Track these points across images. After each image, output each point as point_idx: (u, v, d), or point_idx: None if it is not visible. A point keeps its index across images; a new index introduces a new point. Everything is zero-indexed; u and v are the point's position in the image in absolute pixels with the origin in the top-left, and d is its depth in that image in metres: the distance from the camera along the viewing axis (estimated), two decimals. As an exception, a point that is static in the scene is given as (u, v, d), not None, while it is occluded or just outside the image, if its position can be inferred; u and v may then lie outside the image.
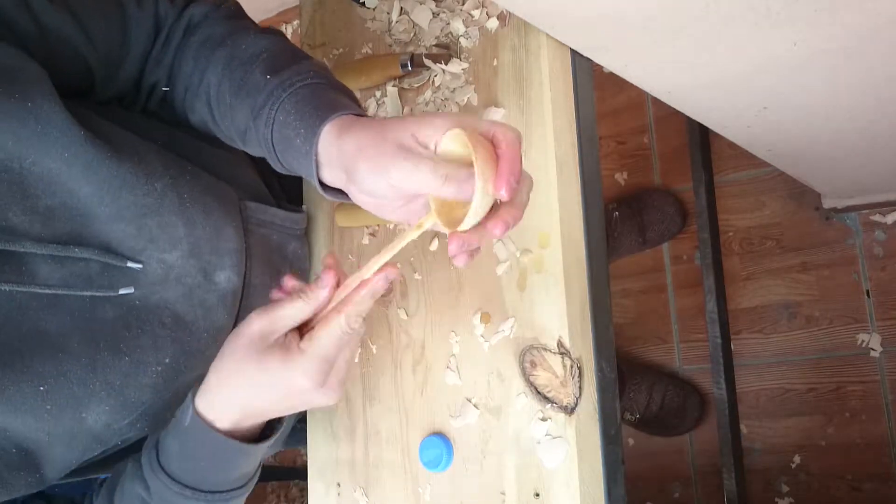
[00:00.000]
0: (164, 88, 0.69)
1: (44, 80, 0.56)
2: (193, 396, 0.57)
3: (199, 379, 0.70)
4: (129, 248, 0.61)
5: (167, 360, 0.63)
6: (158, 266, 0.63)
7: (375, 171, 0.50)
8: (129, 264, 0.61)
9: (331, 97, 0.58)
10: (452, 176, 0.48)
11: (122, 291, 0.60)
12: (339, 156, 0.53)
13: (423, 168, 0.48)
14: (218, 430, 0.56)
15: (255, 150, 0.64)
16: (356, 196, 0.54)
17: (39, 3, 0.58)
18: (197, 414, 0.56)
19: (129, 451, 0.69)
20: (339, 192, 0.57)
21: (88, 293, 0.59)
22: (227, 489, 0.60)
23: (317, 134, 0.55)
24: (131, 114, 0.70)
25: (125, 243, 0.61)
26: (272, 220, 0.76)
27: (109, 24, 0.63)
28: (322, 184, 0.57)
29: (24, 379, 0.56)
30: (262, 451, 0.60)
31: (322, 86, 0.60)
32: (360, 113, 0.57)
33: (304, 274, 0.83)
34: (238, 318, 0.70)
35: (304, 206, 0.88)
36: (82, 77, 0.64)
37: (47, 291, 0.57)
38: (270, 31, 0.67)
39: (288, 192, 0.88)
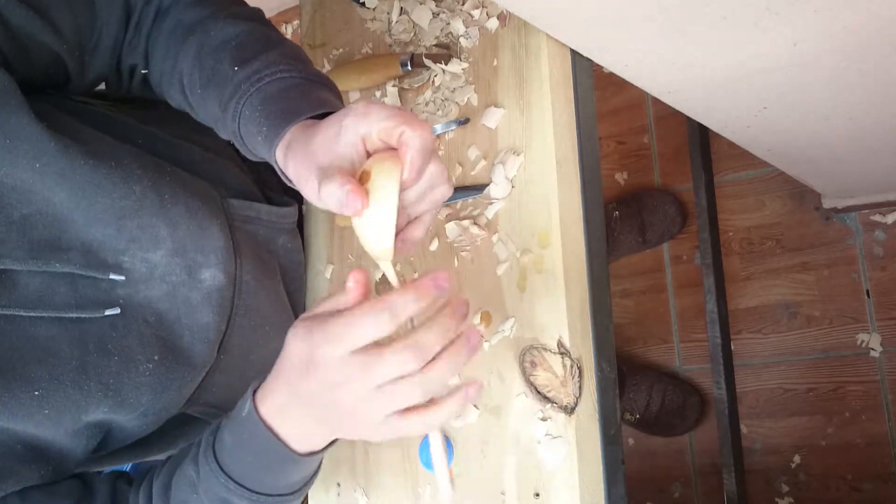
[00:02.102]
0: (142, 71, 0.69)
1: (10, 91, 0.56)
2: (254, 390, 0.56)
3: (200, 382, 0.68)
4: (111, 248, 0.61)
5: (156, 358, 0.63)
6: (142, 265, 0.63)
7: (297, 184, 0.54)
8: (112, 276, 0.61)
9: (299, 94, 0.59)
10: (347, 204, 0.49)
11: (107, 312, 0.60)
12: (283, 157, 0.57)
13: (325, 189, 0.50)
14: (274, 433, 0.54)
15: (226, 137, 0.65)
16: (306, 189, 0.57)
17: (2, 1, 0.57)
18: (255, 408, 0.54)
19: (154, 437, 0.70)
20: None
21: (74, 314, 0.58)
22: (272, 493, 0.58)
23: (277, 137, 0.56)
24: (108, 116, 0.70)
25: (106, 244, 0.60)
26: (257, 216, 0.76)
27: (76, 11, 0.62)
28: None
29: (17, 385, 0.56)
30: (309, 465, 0.58)
31: (291, 80, 0.60)
32: (327, 109, 0.58)
33: (297, 267, 0.83)
34: (231, 315, 0.70)
35: (304, 204, 0.88)
36: (55, 69, 0.63)
37: (32, 314, 0.57)
38: (244, 14, 0.66)
39: (286, 185, 0.88)
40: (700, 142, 1.49)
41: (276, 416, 0.54)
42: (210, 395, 0.72)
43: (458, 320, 0.47)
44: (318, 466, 0.62)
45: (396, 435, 0.50)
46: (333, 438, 0.56)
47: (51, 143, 0.56)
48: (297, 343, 0.49)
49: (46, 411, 0.57)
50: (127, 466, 1.29)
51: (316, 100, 0.58)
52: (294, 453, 0.55)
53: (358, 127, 0.50)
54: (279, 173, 0.59)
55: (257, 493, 0.57)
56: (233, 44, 0.63)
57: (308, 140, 0.54)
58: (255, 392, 0.55)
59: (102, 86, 0.72)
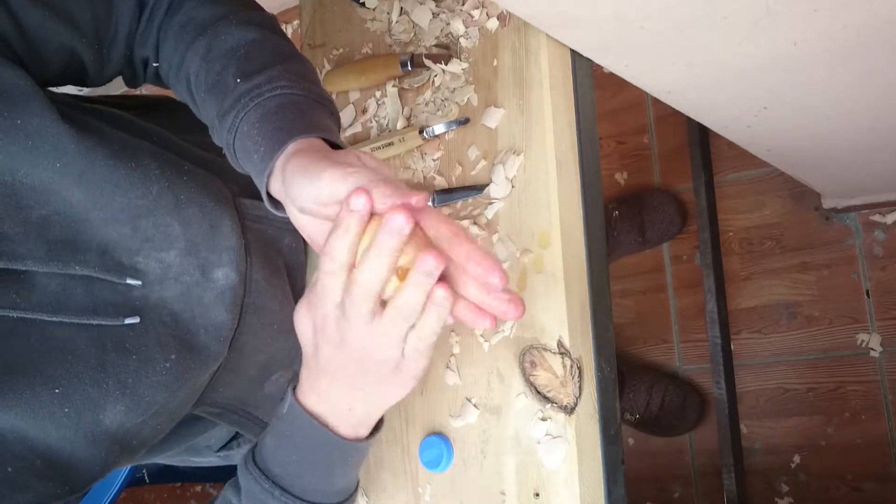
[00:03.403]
0: (154, 64, 0.69)
1: (32, 92, 0.56)
2: (294, 387, 0.56)
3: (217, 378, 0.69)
4: (126, 248, 0.61)
5: (173, 357, 0.63)
6: (157, 265, 0.63)
7: (307, 178, 0.50)
8: (129, 281, 0.61)
9: (297, 113, 0.58)
10: (390, 181, 0.46)
11: (127, 321, 0.61)
12: (282, 169, 0.54)
13: (355, 174, 0.47)
14: (318, 419, 0.55)
15: (219, 144, 0.65)
16: (289, 210, 0.55)
17: (17, 1, 0.57)
18: (296, 399, 0.55)
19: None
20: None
21: (95, 321, 0.59)
22: (318, 501, 0.58)
23: (275, 156, 0.55)
24: (123, 117, 0.70)
25: (121, 244, 0.61)
26: (266, 215, 0.76)
27: (94, 4, 0.62)
28: (270, 196, 0.58)
29: (38, 382, 0.56)
30: (358, 455, 0.58)
31: (292, 97, 0.59)
32: (325, 136, 0.57)
33: (300, 267, 0.84)
34: (241, 314, 0.70)
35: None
36: (73, 65, 0.63)
37: (53, 319, 0.57)
38: (256, 20, 0.65)
39: None
40: (700, 142, 1.49)
41: (315, 401, 0.55)
42: (216, 394, 0.73)
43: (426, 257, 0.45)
44: (357, 484, 0.63)
45: (421, 368, 0.50)
46: (375, 419, 0.57)
47: (72, 145, 0.57)
48: (301, 319, 0.51)
49: (67, 409, 0.57)
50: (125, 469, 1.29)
51: (310, 123, 0.58)
52: (340, 438, 0.55)
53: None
54: (263, 191, 0.58)
55: (301, 499, 0.57)
56: (241, 52, 0.62)
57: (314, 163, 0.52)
58: (293, 389, 0.57)
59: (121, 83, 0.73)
